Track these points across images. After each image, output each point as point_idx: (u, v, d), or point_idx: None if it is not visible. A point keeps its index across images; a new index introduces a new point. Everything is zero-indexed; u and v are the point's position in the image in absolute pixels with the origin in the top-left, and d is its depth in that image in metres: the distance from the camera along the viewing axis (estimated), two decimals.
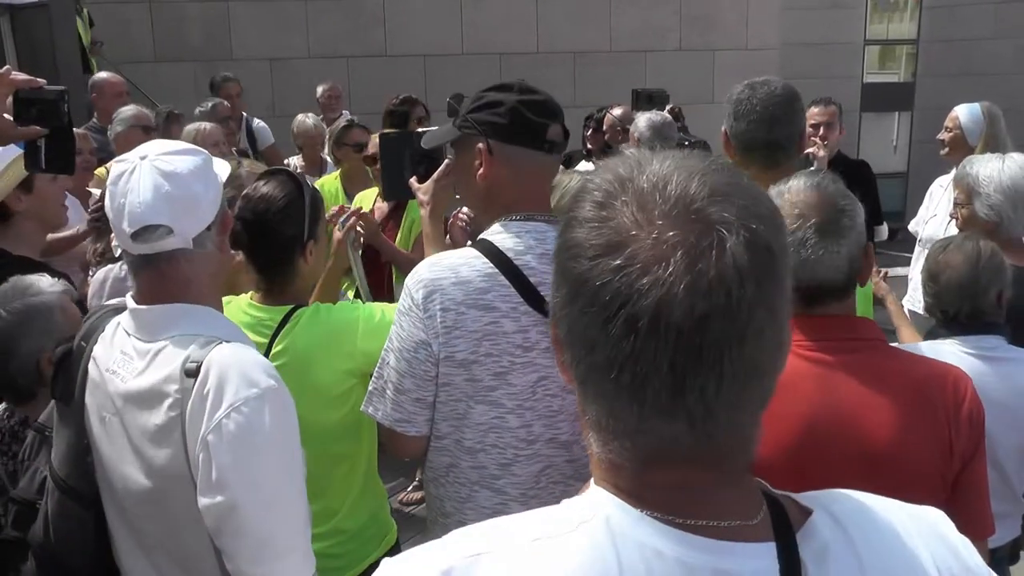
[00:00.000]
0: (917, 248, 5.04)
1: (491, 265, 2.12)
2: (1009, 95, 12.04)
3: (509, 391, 2.13)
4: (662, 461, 0.90)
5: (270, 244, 2.46)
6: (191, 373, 1.75)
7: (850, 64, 15.36)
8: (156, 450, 1.79)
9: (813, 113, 5.10)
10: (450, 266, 2.14)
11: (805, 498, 0.98)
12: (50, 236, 3.66)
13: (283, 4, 9.47)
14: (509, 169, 2.20)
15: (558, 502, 2.13)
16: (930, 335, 2.72)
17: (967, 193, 3.34)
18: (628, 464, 0.92)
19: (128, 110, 5.41)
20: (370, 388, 2.23)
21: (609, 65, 9.70)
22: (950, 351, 2.57)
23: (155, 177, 1.81)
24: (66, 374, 1.98)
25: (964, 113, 4.70)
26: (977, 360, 2.59)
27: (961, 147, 4.67)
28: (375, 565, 1.66)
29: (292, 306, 2.46)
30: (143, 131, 5.20)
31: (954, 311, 2.65)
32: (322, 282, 2.86)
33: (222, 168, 1.98)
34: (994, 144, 4.47)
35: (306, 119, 6.67)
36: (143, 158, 1.83)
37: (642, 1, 10.18)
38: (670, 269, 0.82)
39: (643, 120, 4.92)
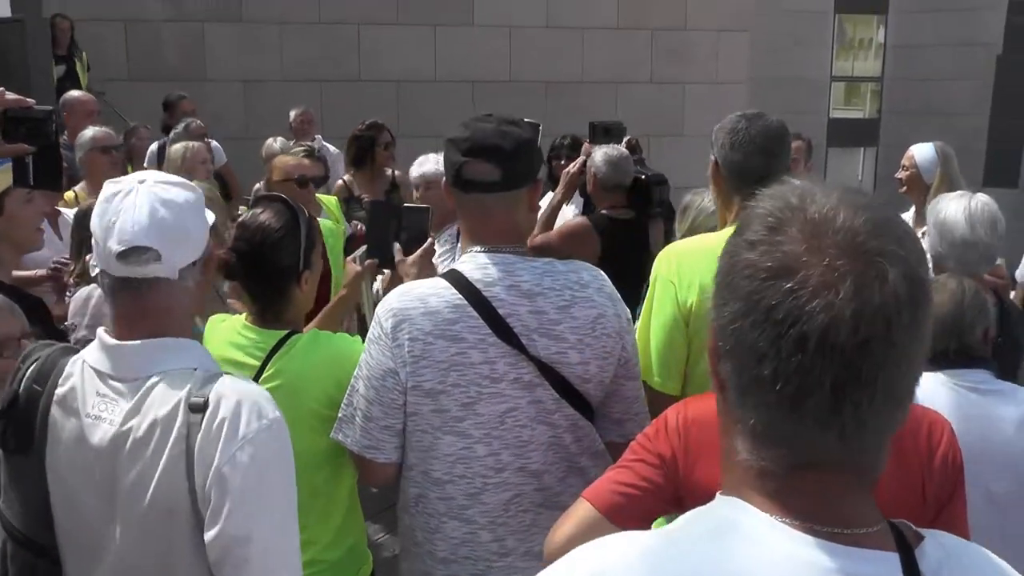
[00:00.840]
0: None
1: (459, 296, 2.13)
2: (967, 134, 12.28)
3: (477, 420, 2.14)
4: (811, 469, 0.97)
5: (266, 275, 2.45)
6: (197, 408, 1.71)
7: (816, 100, 15.60)
8: (156, 490, 1.72)
9: None
10: (419, 296, 2.15)
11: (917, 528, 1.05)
12: (15, 272, 3.62)
13: (258, 26, 9.51)
14: (455, 205, 2.25)
15: (527, 529, 2.17)
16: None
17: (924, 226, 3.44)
18: (779, 471, 0.98)
19: (87, 132, 5.28)
20: (340, 415, 2.24)
21: (581, 96, 9.80)
22: (937, 384, 2.58)
23: (153, 202, 1.78)
24: (19, 423, 1.85)
25: (919, 153, 4.85)
26: (963, 392, 2.60)
27: (918, 185, 4.80)
28: None
29: (288, 331, 2.44)
30: (102, 152, 5.15)
31: (941, 348, 2.63)
32: (329, 311, 2.87)
33: (209, 213, 1.96)
34: (949, 181, 4.60)
35: (274, 143, 6.68)
36: (141, 182, 1.80)
37: (614, 33, 10.31)
38: (840, 295, 0.90)
39: (599, 155, 4.83)
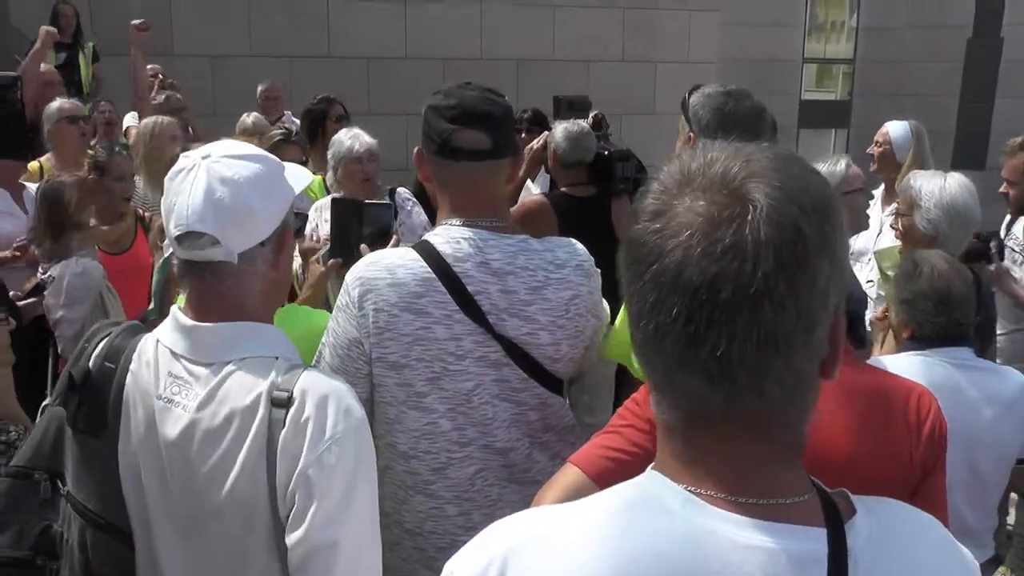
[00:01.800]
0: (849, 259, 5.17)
1: (428, 269, 2.10)
2: (937, 116, 12.34)
3: (441, 395, 2.12)
4: (701, 421, 0.97)
5: None
6: (281, 403, 1.61)
7: (788, 81, 15.63)
8: (232, 485, 1.63)
9: None
10: (388, 266, 2.12)
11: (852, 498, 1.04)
12: None
13: (226, 1, 9.38)
14: (433, 175, 2.20)
15: (493, 504, 2.15)
16: (905, 348, 2.74)
17: (909, 205, 3.44)
18: (678, 425, 0.99)
19: (53, 104, 5.21)
20: None
21: (551, 73, 9.75)
22: (924, 363, 2.61)
23: (211, 182, 1.66)
24: (92, 402, 1.74)
25: (894, 129, 4.86)
26: (955, 370, 2.64)
27: (889, 162, 4.82)
28: None
29: None
30: (69, 122, 5.07)
31: (967, 322, 2.69)
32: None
33: (298, 178, 1.82)
34: (921, 160, 4.62)
35: (247, 119, 6.61)
36: (205, 158, 1.69)
37: (586, 11, 10.27)
38: (693, 234, 0.91)
39: (559, 130, 4.70)
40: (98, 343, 1.79)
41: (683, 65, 10.51)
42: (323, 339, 2.22)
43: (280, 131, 5.16)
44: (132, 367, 1.74)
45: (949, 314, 2.67)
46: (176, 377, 1.69)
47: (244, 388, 1.64)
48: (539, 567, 0.96)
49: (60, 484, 1.80)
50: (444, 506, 2.19)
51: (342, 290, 2.17)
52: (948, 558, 1.03)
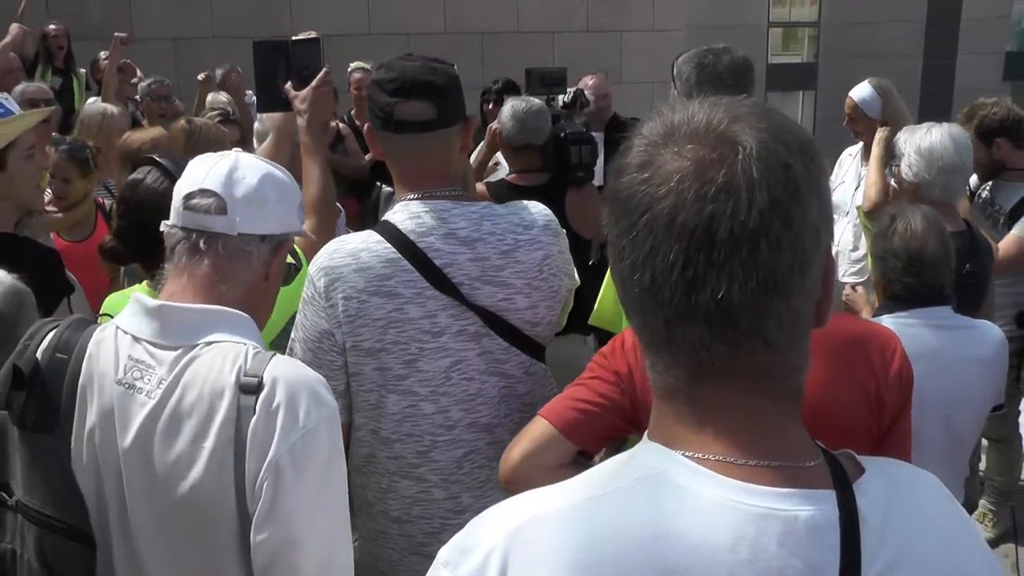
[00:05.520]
0: None
1: (392, 249, 2.06)
2: (905, 75, 12.41)
3: (421, 378, 2.09)
4: (705, 376, 0.94)
5: (158, 247, 2.22)
6: (250, 388, 1.54)
7: (755, 45, 15.62)
8: (199, 477, 1.55)
9: None
10: (351, 252, 2.08)
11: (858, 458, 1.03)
12: None
13: None
14: (384, 150, 2.16)
15: (482, 486, 2.15)
16: (883, 309, 2.71)
17: (897, 156, 3.48)
18: (682, 385, 0.96)
19: (17, 88, 5.14)
20: None
21: (516, 45, 9.71)
22: (908, 323, 2.58)
23: (237, 164, 1.70)
24: (42, 396, 1.63)
25: (856, 93, 4.92)
26: (935, 331, 2.61)
27: (862, 122, 4.88)
28: None
29: None
30: (30, 105, 4.98)
31: (940, 283, 2.64)
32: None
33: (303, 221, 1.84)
34: (898, 115, 4.67)
35: (219, 96, 6.56)
36: (238, 152, 1.74)
37: None
38: (683, 178, 0.89)
39: (506, 108, 4.14)
40: (44, 337, 1.69)
41: (649, 33, 10.49)
42: (292, 335, 2.17)
43: (218, 110, 5.06)
44: (88, 354, 1.65)
45: (919, 275, 2.63)
46: (137, 361, 1.61)
47: (212, 372, 1.57)
48: (543, 554, 0.91)
49: (5, 496, 1.66)
50: (431, 490, 2.16)
51: (307, 282, 2.12)
52: (953, 514, 1.03)
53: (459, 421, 2.13)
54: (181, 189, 1.69)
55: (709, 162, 0.90)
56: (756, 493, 0.91)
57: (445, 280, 2.06)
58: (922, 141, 3.34)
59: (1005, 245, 4.11)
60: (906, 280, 2.66)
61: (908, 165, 3.35)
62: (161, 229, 1.74)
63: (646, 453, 0.98)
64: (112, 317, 1.95)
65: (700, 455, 0.93)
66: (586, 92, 4.99)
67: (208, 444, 1.55)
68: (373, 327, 2.05)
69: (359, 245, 2.09)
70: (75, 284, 3.04)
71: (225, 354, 1.59)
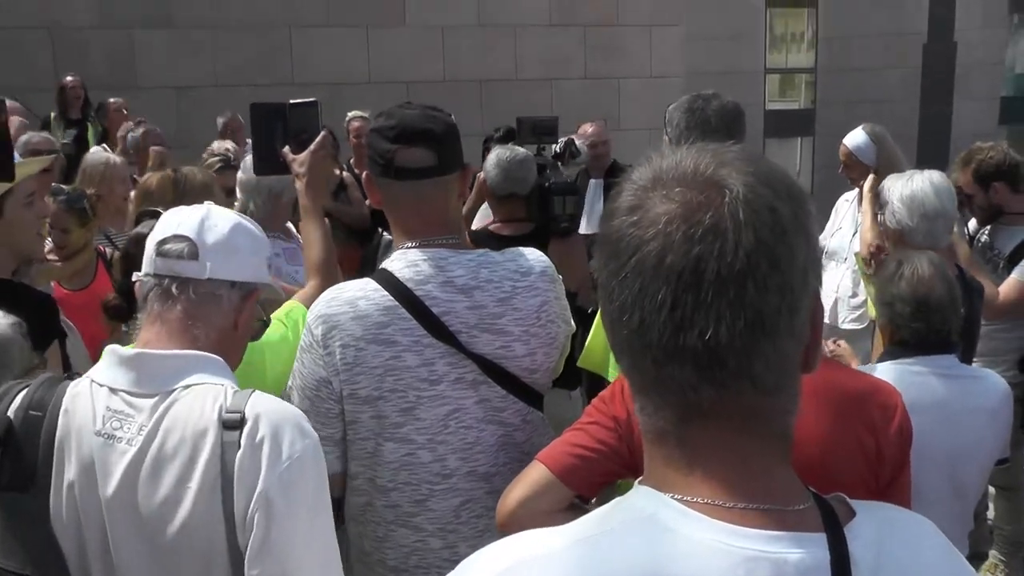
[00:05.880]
0: (824, 260, 5.26)
1: (390, 297, 2.06)
2: (902, 121, 12.51)
3: (418, 426, 2.08)
4: (694, 418, 0.95)
5: None
6: (233, 424, 1.56)
7: (752, 92, 15.75)
8: (186, 519, 1.56)
9: None
10: (348, 300, 2.08)
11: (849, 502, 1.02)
12: None
13: (189, 32, 9.39)
14: (383, 197, 2.17)
15: (480, 535, 2.14)
16: (887, 356, 2.69)
17: (881, 204, 3.51)
18: (671, 428, 0.96)
19: (22, 137, 5.15)
20: None
21: (515, 92, 9.81)
22: (913, 371, 2.57)
23: (209, 213, 1.76)
24: (16, 455, 1.62)
25: (850, 140, 4.96)
26: (941, 381, 2.59)
27: (857, 168, 4.91)
28: None
29: None
30: (33, 154, 5.02)
31: (946, 329, 2.62)
32: (307, 239, 2.64)
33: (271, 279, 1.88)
34: (891, 161, 4.70)
35: (224, 143, 6.61)
36: (208, 204, 1.81)
37: (546, 30, 10.34)
38: (671, 220, 0.91)
39: (491, 157, 4.09)
40: (14, 397, 1.68)
41: (647, 80, 10.60)
42: (289, 382, 2.17)
43: (219, 156, 5.09)
44: (63, 409, 1.64)
45: (927, 320, 2.61)
46: (115, 411, 1.62)
47: (193, 414, 1.59)
48: None
49: None
50: (428, 539, 2.14)
51: (305, 330, 2.13)
52: (948, 559, 1.02)
53: (456, 470, 2.11)
54: (154, 238, 1.74)
55: (696, 205, 0.91)
56: (746, 536, 0.90)
57: (443, 328, 2.06)
58: (904, 189, 3.37)
59: (1006, 290, 4.11)
60: (914, 325, 2.63)
61: (892, 212, 3.38)
62: (133, 280, 1.77)
63: (636, 497, 0.98)
64: None
65: (689, 498, 0.93)
66: (582, 140, 4.99)
67: (194, 483, 1.56)
68: (371, 375, 2.05)
69: (357, 293, 2.09)
70: (72, 330, 3.04)
71: (204, 395, 1.61)
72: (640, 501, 0.96)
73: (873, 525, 0.98)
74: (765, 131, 15.80)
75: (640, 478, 1.01)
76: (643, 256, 0.91)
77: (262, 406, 1.60)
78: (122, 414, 1.61)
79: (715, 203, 0.91)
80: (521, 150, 4.17)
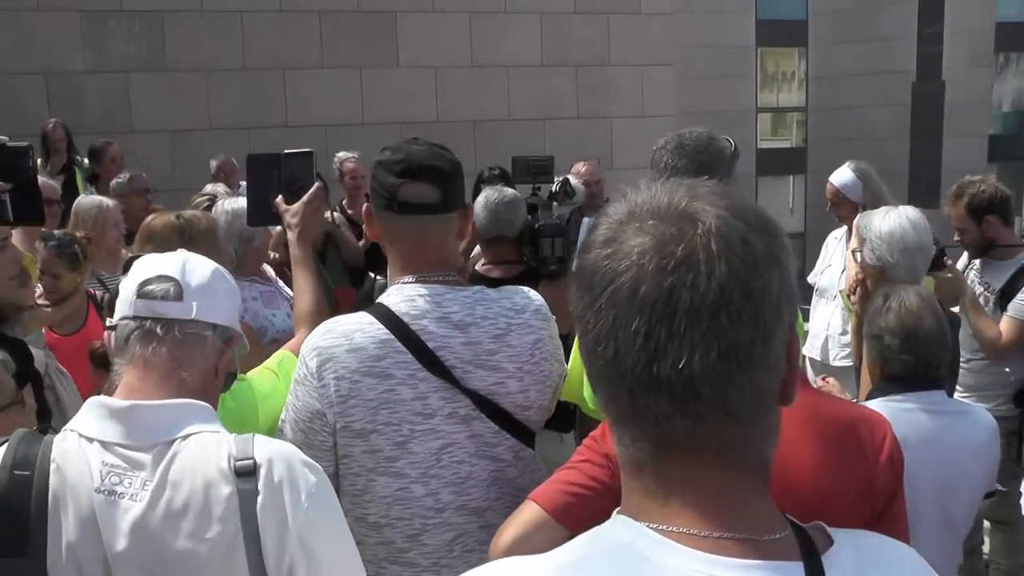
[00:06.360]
0: (814, 298, 5.29)
1: (385, 331, 2.07)
2: (893, 158, 12.62)
3: (412, 460, 2.08)
4: (669, 448, 0.95)
5: None
6: (247, 471, 1.55)
7: (744, 131, 15.88)
8: (203, 571, 1.54)
9: None
10: (344, 333, 2.09)
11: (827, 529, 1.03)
12: None
13: (183, 75, 9.44)
14: (383, 231, 2.19)
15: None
16: (877, 392, 2.68)
17: (860, 241, 3.52)
18: (648, 459, 0.97)
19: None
20: None
21: (508, 132, 9.87)
22: (904, 408, 2.56)
23: (187, 258, 1.77)
24: (6, 519, 1.56)
25: (836, 178, 5.02)
26: (931, 416, 2.58)
27: (844, 206, 4.95)
28: None
29: None
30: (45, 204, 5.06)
31: (937, 362, 2.62)
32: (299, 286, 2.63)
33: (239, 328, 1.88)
34: (877, 197, 4.74)
35: (217, 187, 6.63)
36: (182, 251, 1.82)
37: (538, 70, 10.42)
38: (644, 252, 0.92)
39: (480, 199, 4.04)
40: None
41: (639, 120, 10.67)
42: (282, 415, 2.17)
43: (206, 196, 5.11)
44: (53, 467, 1.58)
45: (916, 353, 2.61)
46: (113, 467, 1.58)
47: (199, 465, 1.57)
48: None
49: None
50: (422, 574, 2.13)
51: (299, 362, 2.13)
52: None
53: (449, 504, 2.11)
54: (132, 281, 1.72)
55: (669, 236, 0.93)
56: (723, 565, 0.91)
57: (438, 363, 2.06)
58: (882, 225, 3.38)
59: (1007, 331, 4.12)
60: (903, 358, 2.63)
61: (871, 250, 3.39)
62: (107, 326, 1.75)
63: (613, 526, 0.98)
64: None
65: (666, 527, 0.94)
66: (576, 180, 4.95)
67: (212, 535, 1.54)
68: (365, 408, 2.05)
69: (352, 326, 2.10)
70: (66, 377, 3.02)
71: (207, 445, 1.60)
72: (616, 530, 0.97)
73: (851, 552, 0.98)
74: (758, 170, 15.90)
75: (618, 508, 1.01)
76: (617, 287, 0.92)
77: (270, 449, 1.61)
78: (120, 468, 1.57)
79: (688, 235, 0.92)
80: (510, 191, 4.12)
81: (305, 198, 2.52)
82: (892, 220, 3.38)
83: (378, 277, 4.35)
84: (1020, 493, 4.26)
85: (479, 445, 2.12)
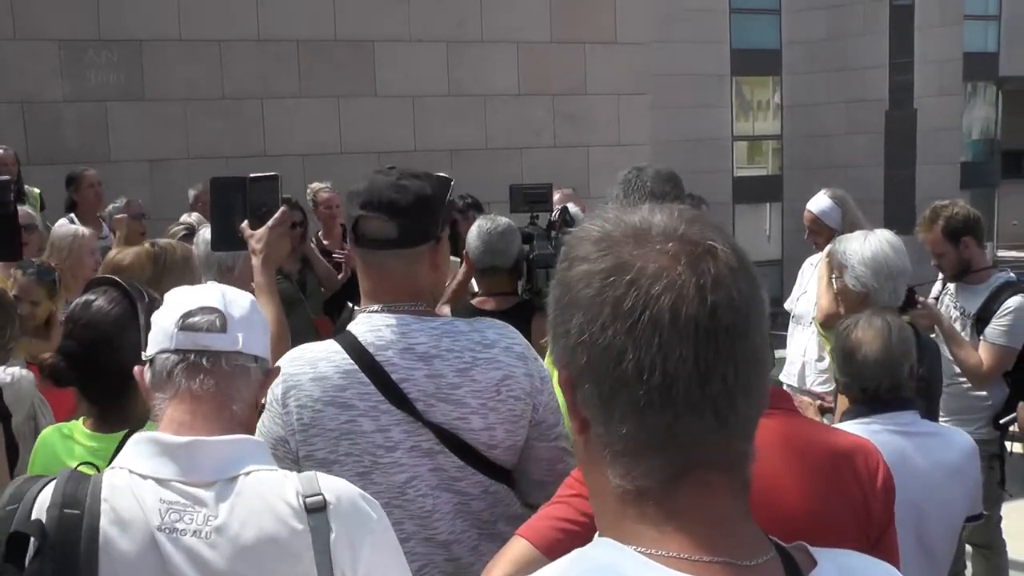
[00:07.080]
0: (791, 324, 5.31)
1: (350, 360, 2.05)
2: (867, 185, 12.75)
3: (375, 491, 2.01)
4: (692, 471, 0.96)
5: (104, 376, 2.17)
6: (317, 507, 1.56)
7: (720, 159, 16.02)
8: None
9: None
10: (309, 360, 2.07)
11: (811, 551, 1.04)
12: None
13: (161, 105, 9.43)
14: (357, 261, 2.20)
15: None
16: (848, 415, 2.71)
17: (839, 268, 3.53)
18: (656, 485, 0.96)
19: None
20: None
21: (486, 161, 9.92)
22: (872, 430, 2.53)
23: (222, 288, 1.73)
24: (57, 559, 1.50)
25: (813, 205, 5.07)
26: (899, 437, 2.59)
27: (822, 232, 4.99)
28: None
29: (125, 431, 2.04)
30: (25, 231, 5.04)
31: (874, 386, 2.64)
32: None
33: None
34: (853, 224, 4.78)
35: (189, 216, 6.62)
36: (213, 283, 1.79)
37: (515, 99, 10.48)
38: (679, 272, 0.93)
39: (473, 228, 3.93)
40: (36, 495, 1.57)
41: (615, 148, 10.73)
42: None
43: (183, 225, 5.10)
44: (105, 507, 1.54)
45: (882, 376, 2.63)
46: (171, 503, 1.55)
47: (267, 502, 1.56)
48: None
49: None
50: None
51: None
52: None
53: (413, 534, 2.07)
54: (171, 313, 1.66)
55: (695, 258, 0.95)
56: None
57: (401, 395, 2.04)
58: (864, 251, 3.40)
59: (987, 357, 4.15)
60: (843, 379, 2.72)
61: (855, 276, 3.39)
62: (144, 358, 1.69)
63: (595, 548, 0.98)
64: (70, 462, 1.88)
65: (653, 551, 0.93)
66: (575, 208, 4.86)
67: (286, 570, 1.55)
68: (326, 437, 2.04)
69: (319, 354, 2.09)
70: (44, 405, 3.00)
71: (270, 483, 1.59)
72: (599, 553, 0.96)
73: (834, 572, 0.99)
74: (735, 197, 16.01)
75: (597, 533, 1.01)
76: (657, 312, 0.92)
77: (335, 486, 1.63)
78: (179, 505, 1.55)
79: (710, 256, 0.95)
80: (504, 220, 3.99)
81: (270, 223, 2.49)
82: (873, 245, 3.40)
83: (355, 308, 4.36)
84: (1000, 517, 4.30)
85: (442, 479, 2.10)
